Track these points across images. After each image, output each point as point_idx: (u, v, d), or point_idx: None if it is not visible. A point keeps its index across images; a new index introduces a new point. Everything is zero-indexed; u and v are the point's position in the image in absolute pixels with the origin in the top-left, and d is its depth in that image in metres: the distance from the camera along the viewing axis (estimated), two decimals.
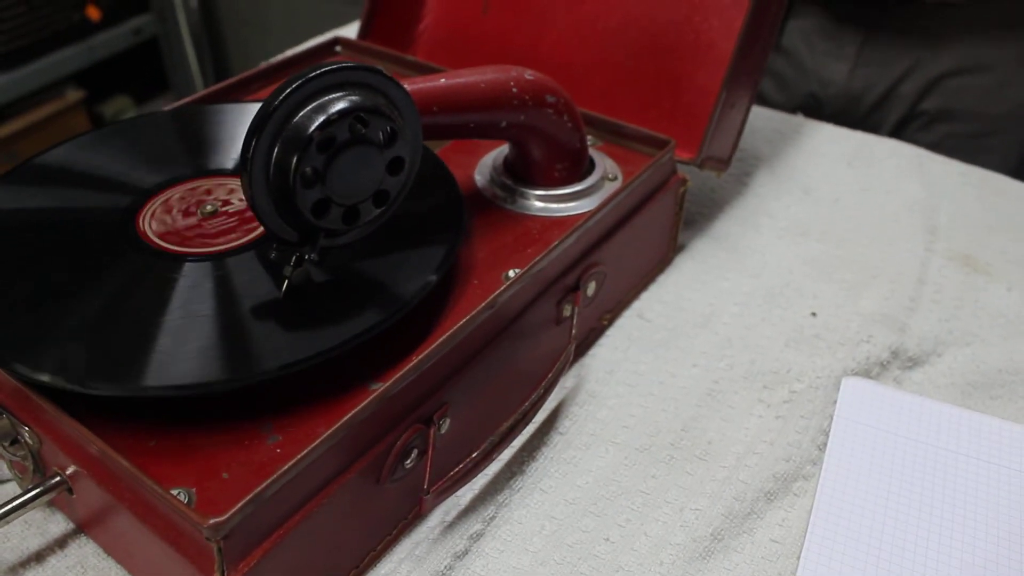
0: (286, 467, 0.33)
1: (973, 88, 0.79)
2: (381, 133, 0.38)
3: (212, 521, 0.31)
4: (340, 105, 0.36)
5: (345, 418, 0.35)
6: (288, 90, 0.35)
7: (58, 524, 0.42)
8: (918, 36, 0.79)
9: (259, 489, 0.32)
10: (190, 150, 0.50)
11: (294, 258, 0.39)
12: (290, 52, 0.67)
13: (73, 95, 1.65)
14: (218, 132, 0.52)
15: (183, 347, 0.37)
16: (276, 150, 0.36)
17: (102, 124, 1.75)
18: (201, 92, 0.59)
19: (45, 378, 0.36)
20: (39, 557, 0.40)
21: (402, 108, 0.39)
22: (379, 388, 0.37)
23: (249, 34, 1.85)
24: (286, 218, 0.38)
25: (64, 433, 0.37)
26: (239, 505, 0.32)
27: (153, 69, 1.88)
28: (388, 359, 0.40)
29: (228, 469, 0.35)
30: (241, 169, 0.36)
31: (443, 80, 0.44)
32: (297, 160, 0.36)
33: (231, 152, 0.50)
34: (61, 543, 0.41)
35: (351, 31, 0.78)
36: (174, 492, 0.33)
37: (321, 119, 0.36)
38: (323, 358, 0.37)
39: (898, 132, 0.83)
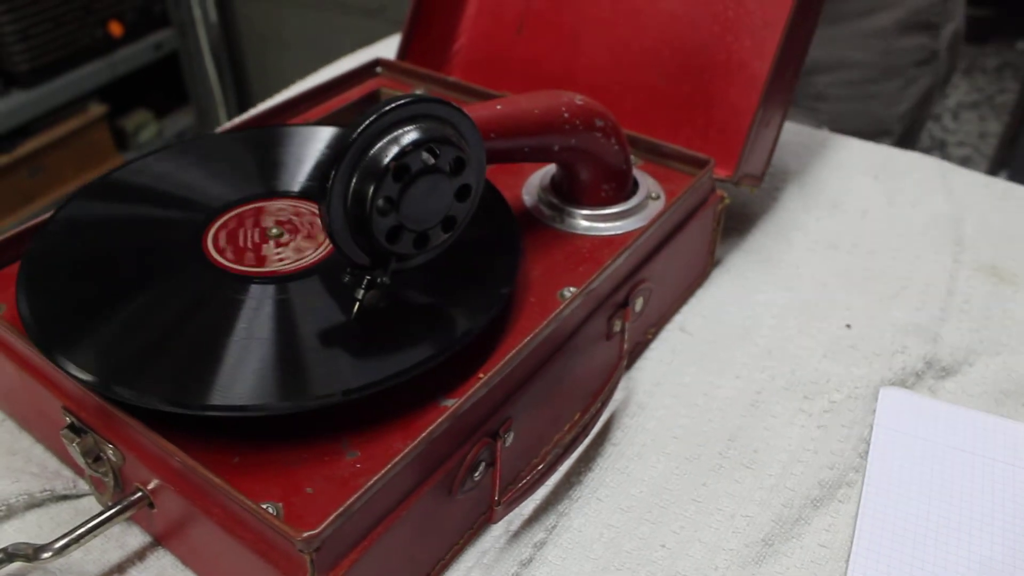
0: (371, 482, 0.35)
1: (827, 38, 0.83)
2: (450, 162, 0.40)
3: (306, 534, 0.33)
4: (413, 136, 0.38)
5: (423, 434, 0.37)
6: (366, 123, 0.37)
7: (135, 537, 0.43)
8: None
9: (348, 503, 0.34)
10: (257, 171, 0.52)
11: (366, 281, 0.40)
12: (332, 73, 0.69)
13: (96, 110, 1.68)
14: (285, 155, 0.54)
15: (254, 368, 0.39)
16: (354, 180, 0.38)
17: (124, 138, 1.77)
18: (252, 113, 0.60)
19: (135, 398, 0.37)
20: (120, 569, 0.42)
21: (468, 136, 0.41)
22: (452, 404, 0.38)
23: (268, 48, 1.87)
24: (360, 243, 0.39)
25: (149, 450, 0.38)
26: (331, 518, 0.33)
27: (174, 83, 1.91)
28: (455, 375, 0.41)
29: (312, 484, 0.37)
30: (319, 198, 0.38)
31: (499, 107, 0.46)
32: (374, 189, 0.38)
33: (297, 175, 0.52)
34: (140, 555, 0.43)
35: (372, 48, 0.80)
36: (264, 506, 0.35)
37: (396, 150, 0.38)
38: (398, 380, 0.39)
39: None
